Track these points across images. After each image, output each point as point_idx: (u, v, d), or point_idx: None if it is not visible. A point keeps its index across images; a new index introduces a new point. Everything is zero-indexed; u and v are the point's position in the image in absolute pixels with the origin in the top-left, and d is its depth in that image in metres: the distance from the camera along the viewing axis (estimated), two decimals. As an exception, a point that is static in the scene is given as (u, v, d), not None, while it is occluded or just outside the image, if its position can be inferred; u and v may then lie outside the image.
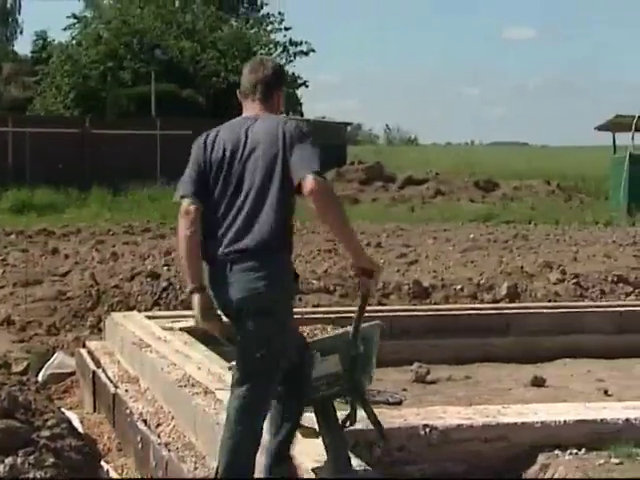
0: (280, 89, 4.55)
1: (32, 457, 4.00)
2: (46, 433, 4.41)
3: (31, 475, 3.92)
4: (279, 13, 44.44)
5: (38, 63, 44.12)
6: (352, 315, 4.68)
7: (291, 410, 4.48)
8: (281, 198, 4.28)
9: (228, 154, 4.34)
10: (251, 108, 4.49)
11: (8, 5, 52.94)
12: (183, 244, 4.26)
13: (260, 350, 4.19)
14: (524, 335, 9.63)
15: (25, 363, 8.58)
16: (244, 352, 4.26)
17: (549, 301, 11.18)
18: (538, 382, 8.32)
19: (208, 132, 4.51)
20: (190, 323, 8.15)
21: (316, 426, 4.63)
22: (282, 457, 4.44)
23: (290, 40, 43.08)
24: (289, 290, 4.43)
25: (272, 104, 4.48)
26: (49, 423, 4.68)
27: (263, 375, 4.25)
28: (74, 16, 44.39)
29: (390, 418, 5.40)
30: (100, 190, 27.19)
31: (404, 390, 8.17)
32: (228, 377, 6.16)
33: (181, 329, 8.20)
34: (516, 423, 5.40)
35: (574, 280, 12.04)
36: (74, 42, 41.90)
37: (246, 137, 4.33)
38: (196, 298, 4.22)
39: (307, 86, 44.45)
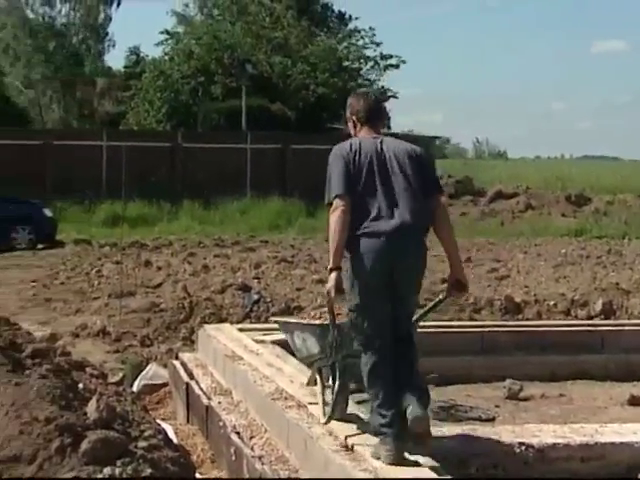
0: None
1: (130, 468, 4.02)
2: (143, 444, 4.44)
3: (129, 485, 3.95)
4: (370, 28, 44.51)
5: (131, 78, 44.91)
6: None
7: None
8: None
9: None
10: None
11: (99, 20, 54.01)
12: (339, 232, 4.96)
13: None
14: (619, 353, 9.43)
15: (121, 374, 8.71)
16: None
17: (645, 318, 10.94)
18: (635, 401, 8.13)
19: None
20: (282, 336, 8.24)
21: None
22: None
23: (381, 54, 43.11)
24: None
25: None
26: (146, 434, 4.73)
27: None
28: (166, 32, 45.21)
29: (484, 435, 5.34)
30: (191, 203, 27.55)
31: (496, 407, 8.07)
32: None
33: (273, 342, 8.23)
34: (614, 442, 5.30)
35: (671, 297, 11.78)
36: (166, 57, 42.59)
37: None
38: (335, 275, 4.92)
39: (397, 97, 44.41)
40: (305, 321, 5.67)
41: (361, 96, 5.55)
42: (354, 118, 5.41)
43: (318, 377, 5.66)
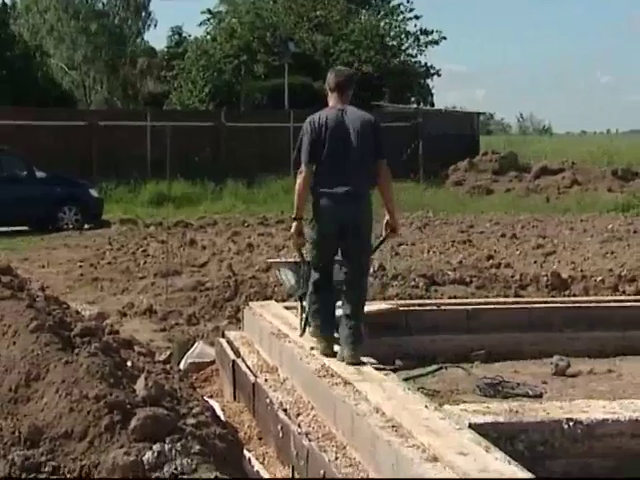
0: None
1: (179, 444, 4.05)
2: (191, 421, 4.47)
3: (178, 462, 3.98)
4: (408, 1, 44.25)
5: (174, 58, 45.06)
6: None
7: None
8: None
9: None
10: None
11: (140, 0, 54.17)
12: (301, 192, 6.54)
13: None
14: (669, 328, 9.33)
15: (168, 352, 8.77)
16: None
17: (695, 293, 10.81)
18: (685, 376, 8.05)
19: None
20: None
21: None
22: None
23: (421, 29, 42.85)
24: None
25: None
26: (194, 411, 4.76)
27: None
28: (209, 11, 45.30)
29: (531, 411, 5.31)
30: (234, 182, 27.63)
31: (544, 383, 8.03)
32: (366, 369, 6.18)
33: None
34: (665, 418, 5.24)
35: None
36: (209, 37, 42.66)
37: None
38: (296, 223, 6.67)
39: (440, 75, 44.13)
40: (284, 260, 7.17)
41: (333, 70, 6.97)
42: (326, 88, 6.84)
43: (299, 303, 7.31)
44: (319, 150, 6.48)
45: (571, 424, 5.15)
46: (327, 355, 6.55)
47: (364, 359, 6.41)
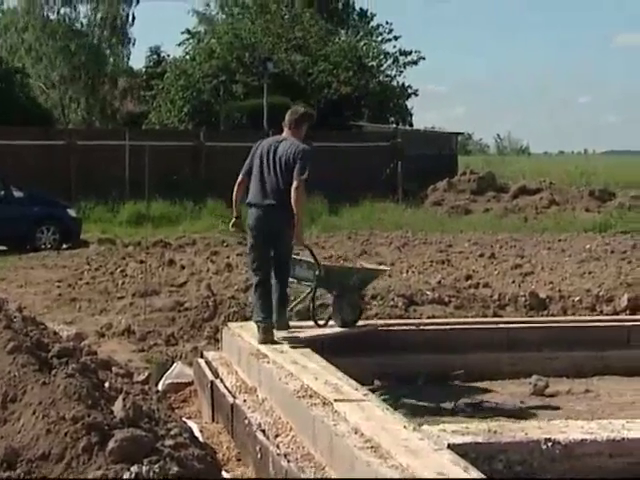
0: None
1: (157, 466, 4.03)
2: (170, 442, 4.45)
3: (156, 484, 3.96)
4: (387, 22, 44.48)
5: (152, 78, 45.04)
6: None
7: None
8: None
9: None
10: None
11: (119, 20, 54.05)
12: (234, 195, 8.41)
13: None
14: (646, 348, 9.38)
15: (146, 373, 8.73)
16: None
17: (671, 313, 10.86)
18: (662, 396, 8.09)
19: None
20: (306, 334, 8.29)
21: None
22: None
23: (400, 50, 43.06)
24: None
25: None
26: (172, 432, 4.74)
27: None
28: (188, 31, 45.32)
29: (510, 432, 5.32)
30: (214, 202, 27.59)
31: (522, 403, 8.05)
32: (345, 388, 6.18)
33: (296, 340, 8.23)
34: (642, 438, 5.26)
35: (697, 291, 11.69)
36: (188, 57, 42.68)
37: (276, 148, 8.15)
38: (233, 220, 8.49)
39: (417, 95, 44.32)
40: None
41: (291, 109, 8.52)
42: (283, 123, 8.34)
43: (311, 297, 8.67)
44: (251, 168, 8.16)
45: (549, 444, 5.16)
46: (269, 341, 7.86)
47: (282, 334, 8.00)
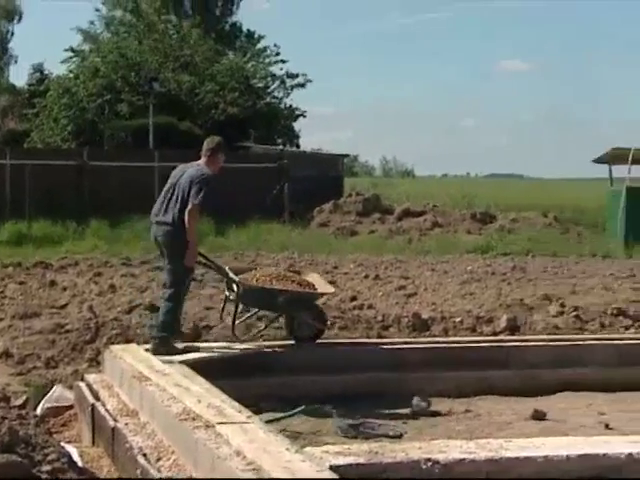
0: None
1: (33, 492, 3.95)
2: (47, 467, 4.38)
3: (32, 510, 3.87)
4: (275, 45, 44.75)
5: (35, 96, 44.25)
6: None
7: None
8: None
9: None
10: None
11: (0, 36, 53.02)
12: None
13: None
14: (524, 368, 9.61)
15: (24, 397, 8.52)
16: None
17: (549, 334, 11.14)
18: (539, 415, 8.29)
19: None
20: (190, 356, 8.23)
21: None
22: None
23: (287, 73, 43.37)
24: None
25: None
26: (49, 457, 4.65)
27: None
28: (72, 50, 44.67)
29: (391, 452, 5.37)
30: (98, 222, 27.19)
31: (404, 423, 8.14)
32: (229, 411, 6.15)
33: (180, 362, 8.18)
34: (518, 457, 5.38)
35: (574, 313, 12.02)
36: (71, 75, 42.08)
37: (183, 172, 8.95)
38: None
39: (305, 116, 44.65)
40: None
41: (207, 139, 9.21)
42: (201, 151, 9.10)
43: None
44: (163, 188, 8.95)
45: (429, 464, 5.23)
46: (175, 353, 8.56)
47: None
